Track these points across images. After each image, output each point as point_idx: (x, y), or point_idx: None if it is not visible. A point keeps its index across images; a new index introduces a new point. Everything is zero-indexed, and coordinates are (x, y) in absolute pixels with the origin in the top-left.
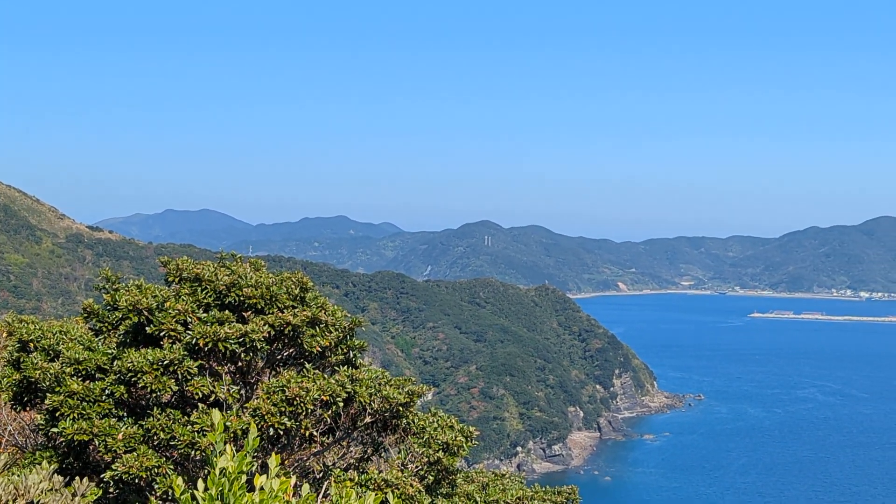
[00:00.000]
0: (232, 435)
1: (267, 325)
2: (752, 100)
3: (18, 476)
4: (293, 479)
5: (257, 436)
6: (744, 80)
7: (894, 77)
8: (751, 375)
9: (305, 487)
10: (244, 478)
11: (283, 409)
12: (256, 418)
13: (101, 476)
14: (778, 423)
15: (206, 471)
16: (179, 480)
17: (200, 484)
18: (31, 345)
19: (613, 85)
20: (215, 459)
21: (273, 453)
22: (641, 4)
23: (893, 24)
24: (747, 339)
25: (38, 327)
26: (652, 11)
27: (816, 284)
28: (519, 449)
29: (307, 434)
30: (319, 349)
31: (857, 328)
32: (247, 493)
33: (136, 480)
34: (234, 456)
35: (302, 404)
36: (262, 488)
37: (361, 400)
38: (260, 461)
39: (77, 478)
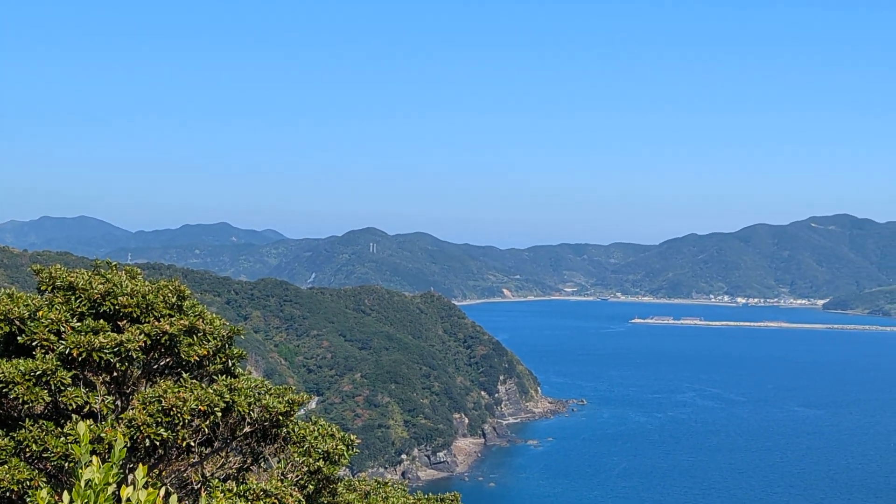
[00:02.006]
0: (106, 446)
1: (143, 335)
2: (631, 108)
3: None
4: (162, 491)
5: (124, 447)
6: (620, 89)
7: (762, 90)
8: (632, 380)
9: (174, 499)
10: (111, 489)
11: (159, 419)
12: (132, 429)
13: None
14: (658, 427)
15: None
16: (44, 493)
17: (66, 496)
18: None
19: (498, 92)
20: (81, 471)
21: (140, 465)
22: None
23: (763, 34)
24: (629, 344)
25: None
26: (527, 20)
27: (695, 290)
28: (404, 456)
29: (184, 445)
30: (197, 358)
31: (734, 333)
32: None
33: (8, 494)
34: (100, 467)
35: (179, 414)
36: (128, 500)
37: (240, 409)
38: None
39: None
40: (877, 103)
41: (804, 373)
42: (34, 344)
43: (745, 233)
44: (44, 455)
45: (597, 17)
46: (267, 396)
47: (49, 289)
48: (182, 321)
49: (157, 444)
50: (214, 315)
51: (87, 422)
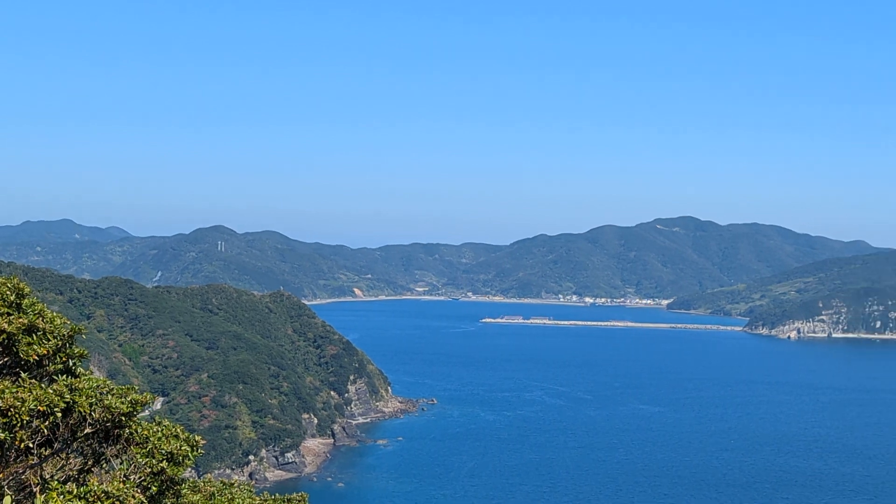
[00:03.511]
0: None
1: None
2: (480, 110)
3: None
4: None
5: None
6: (469, 91)
7: (609, 95)
8: (482, 379)
9: (7, 500)
10: None
11: None
12: None
13: None
14: (507, 425)
15: None
16: None
17: None
18: None
19: (351, 90)
20: None
21: None
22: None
23: (610, 43)
24: (479, 343)
25: None
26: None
27: (545, 290)
28: (251, 457)
29: (23, 446)
30: (37, 357)
31: (582, 332)
32: None
33: None
34: None
35: (17, 415)
36: None
37: (81, 410)
38: None
39: None
40: (718, 112)
41: (648, 371)
42: None
43: (594, 234)
44: None
45: (438, 27)
46: (109, 397)
47: None
48: (21, 320)
49: None
50: (55, 313)
51: None
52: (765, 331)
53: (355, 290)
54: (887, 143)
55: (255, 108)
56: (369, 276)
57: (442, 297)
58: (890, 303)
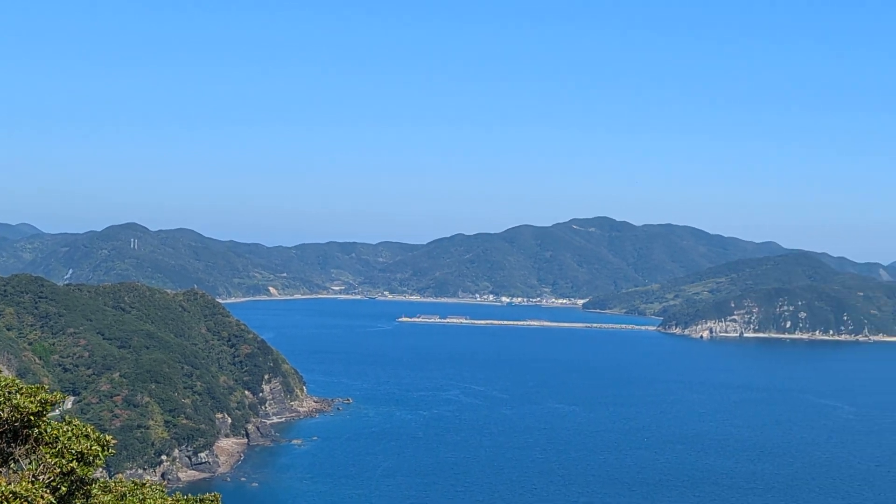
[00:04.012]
0: None
1: None
2: (396, 109)
3: None
4: None
5: None
6: (381, 93)
7: (522, 97)
8: (398, 378)
9: None
10: None
11: None
12: None
13: None
14: (423, 425)
15: None
16: None
17: None
18: None
19: (260, 93)
20: None
21: None
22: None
23: (525, 46)
24: (395, 343)
25: None
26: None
27: (462, 289)
28: (164, 457)
29: None
30: None
31: (499, 332)
32: None
33: None
34: None
35: None
36: None
37: None
38: None
39: None
40: (633, 114)
41: (564, 370)
42: None
43: (510, 233)
44: None
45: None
46: (18, 396)
47: None
48: None
49: None
50: None
51: None
52: (678, 330)
53: (271, 288)
54: (797, 145)
55: (164, 105)
56: (285, 274)
57: (358, 296)
58: (800, 303)
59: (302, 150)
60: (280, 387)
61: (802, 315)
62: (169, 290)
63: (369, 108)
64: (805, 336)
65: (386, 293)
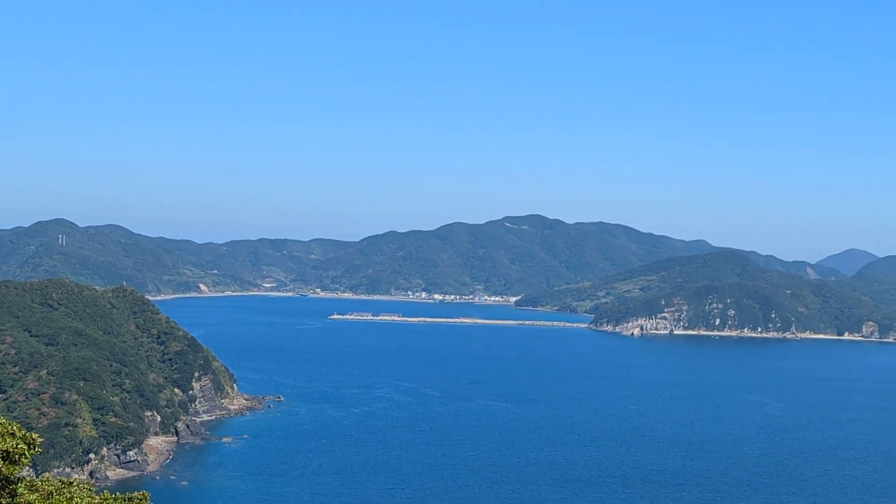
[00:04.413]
0: None
1: None
2: (328, 103)
3: None
4: None
5: None
6: (321, 90)
7: (456, 94)
8: (330, 376)
9: None
10: None
11: None
12: None
13: None
14: (355, 423)
15: None
16: None
17: None
18: None
19: (196, 89)
20: None
21: None
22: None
23: (452, 45)
24: (327, 340)
25: None
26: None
27: (394, 287)
28: (92, 456)
29: None
30: None
31: (431, 329)
32: None
33: None
34: None
35: None
36: None
37: None
38: None
39: None
40: (565, 113)
41: (496, 367)
42: None
43: (443, 231)
44: None
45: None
46: None
47: None
48: None
49: None
50: None
51: None
52: (609, 327)
53: (201, 285)
54: (726, 145)
55: (94, 100)
56: (215, 271)
57: (290, 294)
58: (729, 301)
59: (233, 147)
60: (210, 384)
61: (731, 312)
62: (98, 287)
63: (299, 105)
64: (734, 333)
65: (318, 290)
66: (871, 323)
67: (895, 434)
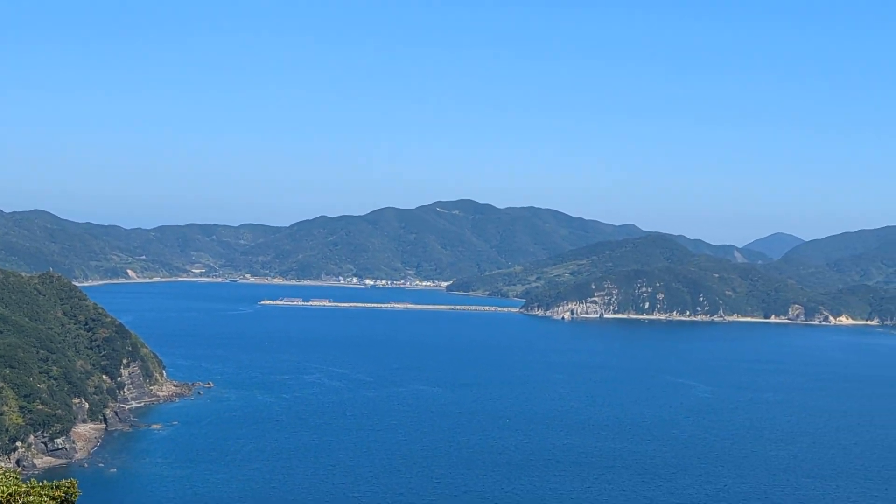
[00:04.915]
0: None
1: None
2: (256, 89)
3: None
4: None
5: None
6: (249, 71)
7: (388, 79)
8: (260, 362)
9: None
10: None
11: None
12: None
13: None
14: (286, 409)
15: None
16: None
17: None
18: None
19: (125, 64)
20: None
21: None
22: None
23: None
24: (257, 326)
25: None
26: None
27: (325, 272)
28: (19, 444)
29: None
30: None
31: (363, 315)
32: None
33: None
34: None
35: None
36: None
37: None
38: None
39: None
40: (496, 96)
41: (428, 353)
42: None
43: (374, 216)
44: None
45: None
46: None
47: None
48: None
49: None
50: None
51: None
52: (540, 312)
53: (129, 271)
54: (654, 129)
55: (13, 81)
56: (144, 257)
57: (219, 279)
58: (658, 284)
59: (160, 131)
60: (139, 371)
61: (660, 296)
62: (23, 273)
63: (225, 89)
64: (663, 317)
65: (248, 276)
66: (796, 306)
67: (820, 415)
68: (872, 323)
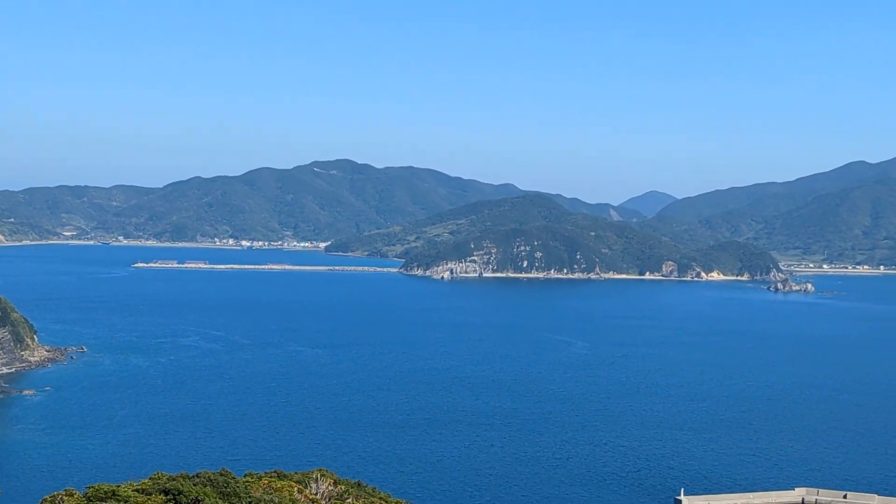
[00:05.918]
0: None
1: None
2: (135, 43)
3: None
4: None
5: None
6: (126, 27)
7: (262, 33)
8: (135, 326)
9: None
10: None
11: None
12: None
13: None
14: (161, 372)
15: None
16: None
17: None
18: None
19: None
20: None
21: None
22: None
23: None
24: (131, 289)
25: None
26: None
27: (200, 234)
28: None
29: None
30: None
31: (239, 276)
32: None
33: None
34: None
35: None
36: None
37: None
38: None
39: None
40: (375, 53)
41: (307, 314)
42: None
43: (250, 176)
44: None
45: None
46: None
47: None
48: None
49: None
50: None
51: None
52: (420, 272)
53: None
54: (530, 86)
55: None
56: (12, 219)
57: (92, 242)
58: (536, 243)
59: (28, 88)
60: (9, 336)
61: (538, 255)
62: None
63: (99, 45)
64: (541, 275)
65: (121, 238)
66: (670, 262)
67: (692, 367)
68: (742, 278)
